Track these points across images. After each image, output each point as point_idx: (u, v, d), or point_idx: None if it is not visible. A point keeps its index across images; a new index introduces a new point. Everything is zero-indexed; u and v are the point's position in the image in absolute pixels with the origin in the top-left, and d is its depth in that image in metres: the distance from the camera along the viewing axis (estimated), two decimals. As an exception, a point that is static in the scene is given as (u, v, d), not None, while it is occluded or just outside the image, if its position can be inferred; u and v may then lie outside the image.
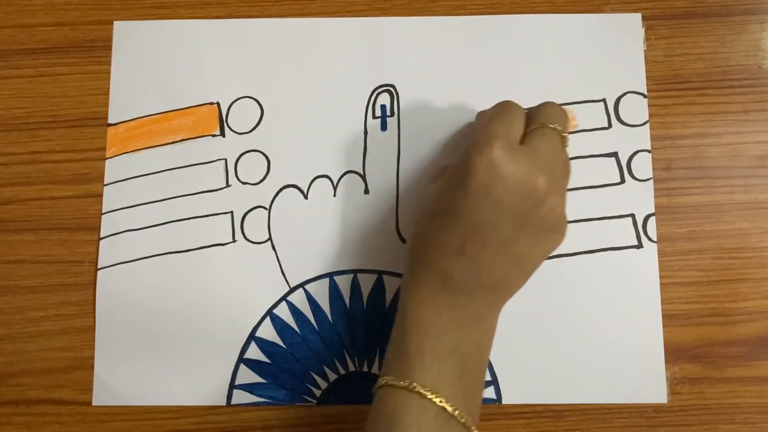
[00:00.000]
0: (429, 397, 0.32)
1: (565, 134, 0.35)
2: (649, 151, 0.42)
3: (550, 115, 0.35)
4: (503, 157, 0.32)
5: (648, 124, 0.43)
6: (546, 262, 0.36)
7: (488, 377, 0.41)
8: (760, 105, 0.43)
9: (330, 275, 0.42)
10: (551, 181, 0.33)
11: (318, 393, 0.41)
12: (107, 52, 0.44)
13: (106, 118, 0.44)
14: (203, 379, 0.41)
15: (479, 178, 0.32)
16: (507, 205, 0.32)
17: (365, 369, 0.41)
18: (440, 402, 0.32)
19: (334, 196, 0.43)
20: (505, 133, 0.33)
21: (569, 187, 0.36)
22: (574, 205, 0.39)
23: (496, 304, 0.35)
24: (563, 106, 0.37)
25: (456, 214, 0.33)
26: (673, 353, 0.41)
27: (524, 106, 0.43)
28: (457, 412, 0.32)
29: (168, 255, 0.42)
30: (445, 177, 0.35)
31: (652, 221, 0.42)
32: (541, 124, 0.35)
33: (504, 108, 0.36)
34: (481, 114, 0.40)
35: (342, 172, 0.43)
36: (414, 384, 0.32)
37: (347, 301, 0.42)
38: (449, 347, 0.33)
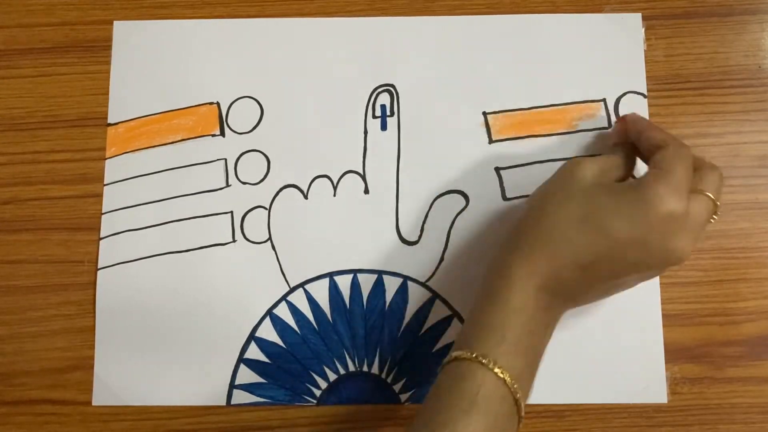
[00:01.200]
0: (513, 389, 0.32)
1: (719, 211, 0.35)
2: (649, 151, 0.42)
3: (715, 183, 0.35)
4: (678, 225, 0.32)
5: (648, 124, 0.43)
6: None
7: (488, 377, 0.41)
8: (760, 105, 0.43)
9: (330, 275, 0.42)
10: (692, 251, 0.34)
11: (318, 393, 0.41)
12: (107, 52, 0.44)
13: (106, 118, 0.44)
14: (203, 379, 0.41)
15: (652, 226, 0.32)
16: (654, 258, 0.33)
17: (365, 369, 0.41)
18: (518, 396, 0.32)
19: (334, 196, 0.43)
20: (686, 188, 0.33)
21: None
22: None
23: (568, 309, 0.36)
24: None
25: (606, 237, 0.33)
26: (673, 353, 0.41)
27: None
28: (523, 406, 0.33)
29: (168, 255, 0.42)
30: (616, 195, 0.34)
31: (652, 221, 0.42)
32: (705, 192, 0.34)
33: (687, 155, 0.34)
34: (651, 128, 0.37)
35: (342, 172, 0.43)
36: (505, 374, 0.32)
37: (347, 301, 0.42)
38: (535, 344, 0.34)
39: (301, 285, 0.42)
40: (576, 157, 0.38)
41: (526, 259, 0.34)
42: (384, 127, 0.43)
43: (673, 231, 0.32)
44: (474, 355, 0.33)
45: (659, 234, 0.32)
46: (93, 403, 0.41)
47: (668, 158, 0.34)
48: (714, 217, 0.35)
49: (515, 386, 0.32)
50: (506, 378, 0.32)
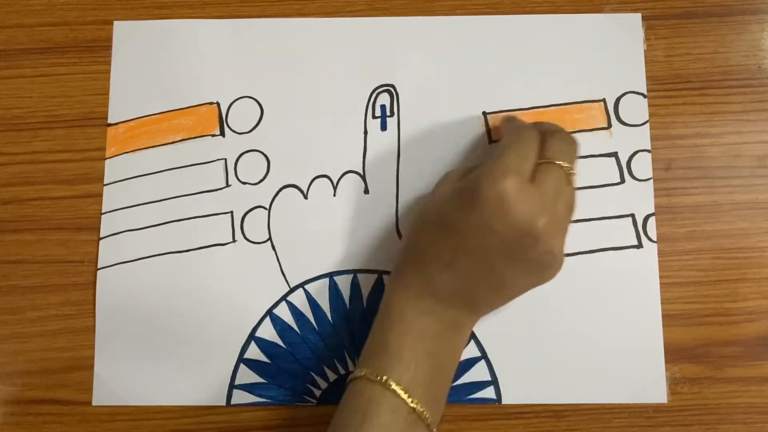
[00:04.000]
0: (403, 397, 0.33)
1: (572, 172, 0.35)
2: (649, 151, 0.42)
3: (560, 149, 0.35)
4: (512, 195, 0.32)
5: (648, 124, 0.43)
6: (546, 262, 0.36)
7: (488, 377, 0.41)
8: (760, 105, 0.43)
9: (330, 275, 0.42)
10: (553, 223, 0.33)
11: (318, 393, 0.41)
12: (107, 52, 0.44)
13: (106, 118, 0.44)
14: (203, 379, 0.41)
15: (485, 208, 0.32)
16: (505, 239, 0.33)
17: (365, 369, 0.41)
18: (412, 403, 0.33)
19: (334, 196, 0.43)
20: (518, 168, 0.33)
21: None
22: (574, 205, 0.39)
23: (471, 318, 0.37)
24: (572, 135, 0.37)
25: (454, 231, 0.34)
26: (673, 353, 0.41)
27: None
28: (425, 414, 0.33)
29: (168, 255, 0.42)
30: (455, 190, 0.35)
31: (652, 221, 0.42)
32: (550, 159, 0.35)
33: (522, 137, 0.35)
34: (509, 121, 0.40)
35: (342, 172, 0.43)
36: (391, 382, 0.33)
37: (347, 301, 0.42)
38: (426, 351, 0.34)
39: (301, 285, 0.42)
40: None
41: (400, 275, 0.36)
42: (384, 127, 0.43)
43: (513, 207, 0.32)
44: (363, 373, 0.34)
45: (499, 213, 0.32)
46: (93, 403, 0.41)
47: (500, 144, 0.35)
48: (570, 178, 0.35)
49: (406, 395, 0.33)
50: (395, 388, 0.33)
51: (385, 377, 0.33)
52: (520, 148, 0.34)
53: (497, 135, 0.41)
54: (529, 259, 0.34)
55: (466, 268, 0.34)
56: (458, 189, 0.35)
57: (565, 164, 0.35)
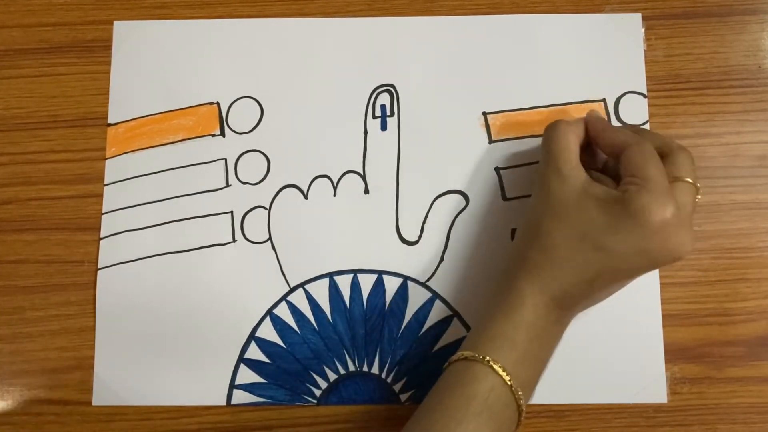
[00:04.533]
0: (517, 396, 0.33)
1: (698, 186, 0.35)
2: (649, 151, 0.42)
3: (689, 167, 0.35)
4: (674, 222, 0.32)
5: (648, 124, 0.43)
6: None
7: (488, 377, 0.41)
8: (760, 105, 0.43)
9: (330, 275, 0.42)
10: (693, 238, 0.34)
11: (318, 393, 0.41)
12: (107, 52, 0.44)
13: (106, 118, 0.44)
14: (203, 379, 0.41)
15: (646, 233, 0.32)
16: (657, 261, 0.33)
17: (365, 369, 0.41)
18: (521, 403, 0.34)
19: (334, 196, 0.43)
20: (670, 190, 0.33)
21: None
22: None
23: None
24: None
25: (605, 253, 0.33)
26: (673, 353, 0.41)
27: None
28: (523, 415, 0.34)
29: (168, 255, 0.42)
30: (604, 209, 0.34)
31: (652, 221, 0.42)
32: (681, 178, 0.34)
33: (651, 151, 0.34)
34: (638, 147, 0.35)
35: (342, 172, 0.43)
36: (514, 382, 0.33)
37: (347, 301, 0.42)
38: (543, 357, 0.35)
39: (301, 285, 0.42)
40: (556, 160, 0.36)
41: (534, 276, 0.35)
42: (384, 127, 0.43)
43: (671, 232, 0.32)
44: (486, 359, 0.34)
45: (659, 240, 0.32)
46: (93, 403, 0.41)
47: (637, 162, 0.34)
48: (698, 197, 0.35)
49: (519, 393, 0.33)
50: (513, 385, 0.33)
51: (510, 376, 0.33)
52: (657, 163, 0.34)
53: (605, 147, 0.37)
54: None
55: (606, 285, 0.34)
56: (611, 210, 0.33)
57: (697, 183, 0.35)
